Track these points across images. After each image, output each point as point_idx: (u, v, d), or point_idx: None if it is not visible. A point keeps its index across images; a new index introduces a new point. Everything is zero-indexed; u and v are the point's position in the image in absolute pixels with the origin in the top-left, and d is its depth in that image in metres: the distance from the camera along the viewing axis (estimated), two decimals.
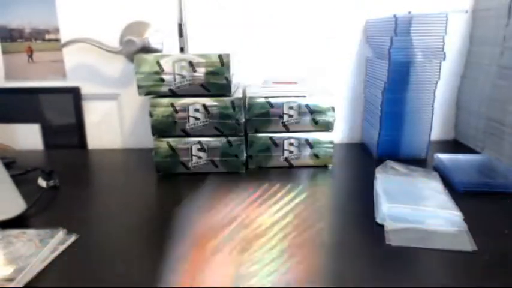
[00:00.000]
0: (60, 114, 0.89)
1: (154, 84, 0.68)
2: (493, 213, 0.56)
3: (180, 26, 0.84)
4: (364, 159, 0.81)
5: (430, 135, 0.77)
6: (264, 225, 0.53)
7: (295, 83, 0.72)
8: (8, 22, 0.84)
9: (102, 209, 0.62)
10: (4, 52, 0.86)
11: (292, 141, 0.73)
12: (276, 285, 0.40)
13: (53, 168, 0.71)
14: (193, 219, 0.55)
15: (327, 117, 0.72)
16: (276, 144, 0.73)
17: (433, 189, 0.60)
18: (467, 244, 0.46)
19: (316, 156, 0.74)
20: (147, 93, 0.69)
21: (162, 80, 0.67)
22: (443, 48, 0.72)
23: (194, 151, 0.70)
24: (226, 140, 0.70)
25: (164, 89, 0.68)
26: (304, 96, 0.71)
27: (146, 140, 0.84)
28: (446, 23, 0.70)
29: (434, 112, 0.76)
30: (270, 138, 0.73)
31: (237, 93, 0.72)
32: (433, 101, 0.75)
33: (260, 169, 0.74)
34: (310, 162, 0.74)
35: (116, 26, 0.83)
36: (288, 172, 0.73)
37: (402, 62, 0.73)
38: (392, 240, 0.48)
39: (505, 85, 0.72)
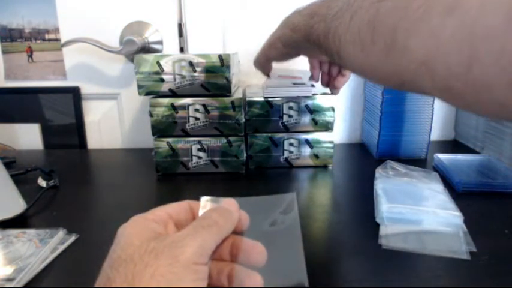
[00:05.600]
0: (60, 114, 0.89)
1: (154, 84, 0.68)
2: (492, 213, 0.56)
3: (180, 26, 0.84)
4: (364, 159, 0.81)
5: (430, 135, 0.77)
6: None
7: (300, 77, 0.72)
8: (8, 22, 0.84)
9: (102, 208, 0.62)
10: (4, 52, 0.86)
11: (292, 141, 0.73)
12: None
13: (53, 168, 0.71)
14: None
15: (327, 117, 0.72)
16: (276, 144, 0.73)
17: (432, 189, 0.60)
18: (464, 248, 0.46)
19: (316, 156, 0.74)
20: (147, 93, 0.69)
21: (162, 80, 0.67)
22: None
23: (194, 151, 0.70)
24: (226, 140, 0.70)
25: (164, 89, 0.68)
26: (304, 96, 0.71)
27: (146, 140, 0.84)
28: None
29: (434, 112, 0.76)
30: (270, 138, 0.73)
31: (237, 93, 0.72)
32: (433, 101, 0.75)
33: (260, 169, 0.74)
34: (310, 162, 0.74)
35: (116, 26, 0.83)
36: (288, 172, 0.73)
37: None
38: (391, 241, 0.48)
39: None
